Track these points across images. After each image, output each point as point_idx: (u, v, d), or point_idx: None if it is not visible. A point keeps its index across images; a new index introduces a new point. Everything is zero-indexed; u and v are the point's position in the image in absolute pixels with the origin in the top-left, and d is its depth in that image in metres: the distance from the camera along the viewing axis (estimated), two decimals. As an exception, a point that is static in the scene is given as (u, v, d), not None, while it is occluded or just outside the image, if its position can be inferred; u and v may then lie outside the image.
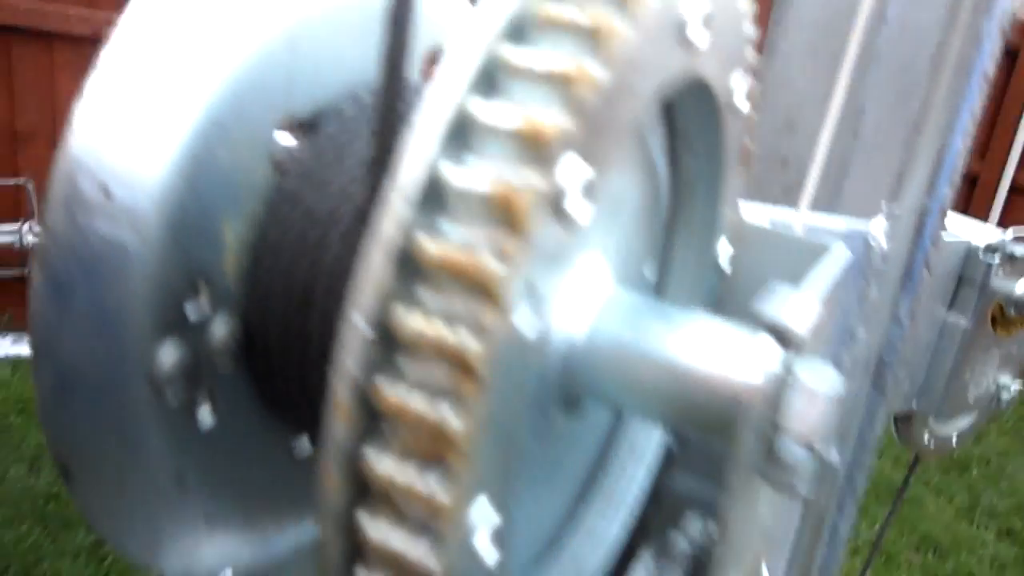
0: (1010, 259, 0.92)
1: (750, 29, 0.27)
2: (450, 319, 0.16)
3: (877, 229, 0.59)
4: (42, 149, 3.31)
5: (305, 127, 0.26)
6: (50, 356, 0.22)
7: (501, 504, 0.18)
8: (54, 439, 0.23)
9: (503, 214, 0.16)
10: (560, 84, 0.16)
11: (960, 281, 0.96)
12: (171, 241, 0.23)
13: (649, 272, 0.33)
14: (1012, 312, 0.95)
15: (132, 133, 0.23)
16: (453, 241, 0.16)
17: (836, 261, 0.32)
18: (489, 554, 0.18)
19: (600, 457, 0.34)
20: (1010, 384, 0.99)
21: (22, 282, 3.29)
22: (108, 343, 0.22)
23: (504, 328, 0.16)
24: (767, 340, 0.22)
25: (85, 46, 3.02)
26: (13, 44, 3.16)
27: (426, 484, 0.16)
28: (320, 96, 0.26)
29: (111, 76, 0.24)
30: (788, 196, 0.91)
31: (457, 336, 0.15)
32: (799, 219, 0.53)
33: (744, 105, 0.29)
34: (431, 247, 0.16)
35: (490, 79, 0.17)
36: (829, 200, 0.61)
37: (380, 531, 0.17)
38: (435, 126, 0.17)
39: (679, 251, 0.33)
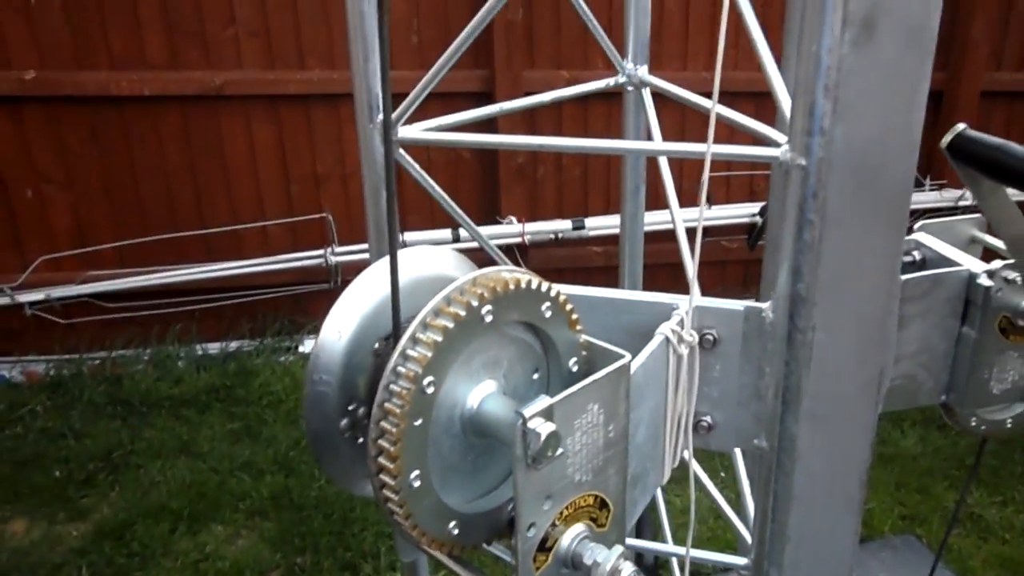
0: (1006, 281, 1.20)
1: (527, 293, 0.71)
2: (391, 416, 0.63)
3: (767, 307, 0.96)
4: (337, 188, 4.20)
5: (386, 338, 0.75)
6: (308, 421, 0.73)
7: (421, 465, 0.65)
8: (312, 446, 0.74)
9: (397, 399, 0.63)
10: (414, 361, 0.63)
11: (967, 302, 1.25)
12: (341, 385, 0.72)
13: (538, 376, 0.77)
14: (1021, 323, 1.22)
15: (330, 346, 0.73)
16: (386, 404, 0.63)
17: (609, 369, 0.73)
18: (416, 482, 0.65)
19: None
20: None
21: (329, 293, 4.21)
22: (325, 417, 0.73)
23: (403, 423, 0.63)
24: (518, 416, 0.66)
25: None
26: (311, 107, 4.04)
27: (382, 463, 0.63)
28: (389, 327, 0.74)
29: (330, 320, 0.75)
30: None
31: (388, 424, 0.63)
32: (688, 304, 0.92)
33: (555, 312, 0.72)
34: (387, 405, 0.63)
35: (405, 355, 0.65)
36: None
37: (379, 480, 0.65)
38: (395, 360, 0.64)
39: (552, 365, 0.77)
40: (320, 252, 4.00)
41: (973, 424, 1.33)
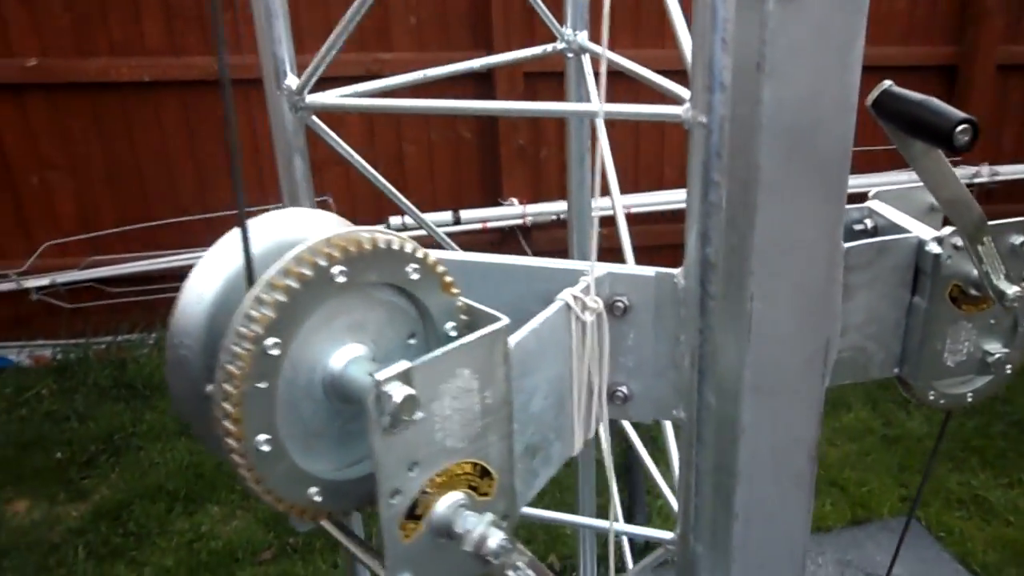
0: (956, 248, 1.15)
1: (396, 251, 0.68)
2: (232, 378, 0.62)
3: (678, 273, 0.93)
4: (338, 171, 4.19)
5: (254, 301, 0.73)
6: (172, 386, 0.71)
7: (270, 429, 0.64)
8: (178, 412, 0.73)
9: (239, 360, 0.61)
10: (256, 322, 0.61)
11: (917, 270, 1.21)
12: (204, 349, 0.71)
13: (415, 341, 0.75)
14: (973, 291, 1.17)
15: (191, 309, 0.72)
16: (227, 365, 0.62)
17: (479, 333, 0.71)
18: (264, 446, 0.64)
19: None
20: (993, 351, 1.21)
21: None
22: (188, 382, 0.72)
23: (244, 385, 0.61)
24: (374, 377, 0.64)
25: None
26: (311, 90, 4.04)
27: (226, 425, 0.62)
28: (257, 290, 0.73)
29: (190, 286, 0.73)
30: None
31: (230, 386, 0.61)
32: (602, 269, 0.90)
33: (424, 274, 0.70)
34: (228, 366, 0.62)
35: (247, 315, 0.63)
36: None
37: (225, 443, 0.63)
38: (237, 321, 0.63)
39: (428, 329, 0.75)
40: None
41: (932, 398, 1.29)
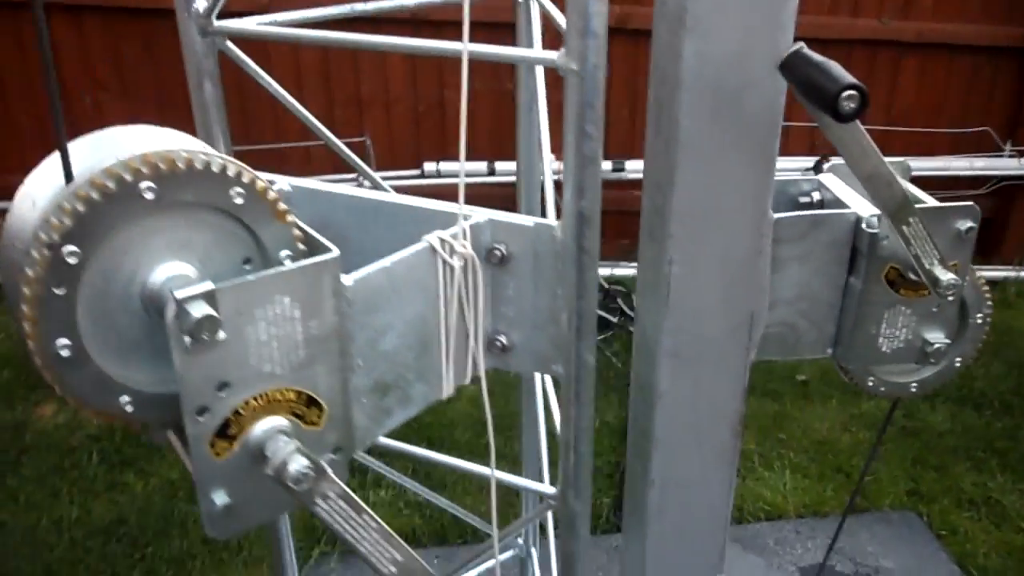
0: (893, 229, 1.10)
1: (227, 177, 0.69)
2: (29, 282, 0.64)
3: (557, 225, 0.92)
4: (379, 112, 4.21)
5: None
6: (6, 287, 0.74)
7: (71, 335, 0.65)
8: (10, 312, 0.76)
9: (37, 265, 0.63)
10: (53, 229, 0.63)
11: (854, 248, 1.16)
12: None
13: (251, 266, 0.76)
14: (912, 276, 1.12)
15: (24, 213, 0.74)
16: (25, 268, 0.64)
17: (301, 263, 0.71)
18: (64, 351, 0.66)
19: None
20: (934, 340, 1.15)
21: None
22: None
23: (39, 289, 0.63)
24: (173, 294, 0.65)
25: (408, 29, 3.73)
26: (357, 29, 4.04)
27: (24, 327, 0.64)
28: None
29: (24, 190, 0.75)
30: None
31: (27, 289, 0.63)
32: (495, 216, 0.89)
33: (250, 200, 0.70)
34: (26, 269, 0.64)
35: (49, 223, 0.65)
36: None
37: (27, 345, 0.66)
38: (35, 225, 0.64)
39: (264, 255, 0.75)
40: (354, 176, 4.05)
41: (871, 384, 1.24)
